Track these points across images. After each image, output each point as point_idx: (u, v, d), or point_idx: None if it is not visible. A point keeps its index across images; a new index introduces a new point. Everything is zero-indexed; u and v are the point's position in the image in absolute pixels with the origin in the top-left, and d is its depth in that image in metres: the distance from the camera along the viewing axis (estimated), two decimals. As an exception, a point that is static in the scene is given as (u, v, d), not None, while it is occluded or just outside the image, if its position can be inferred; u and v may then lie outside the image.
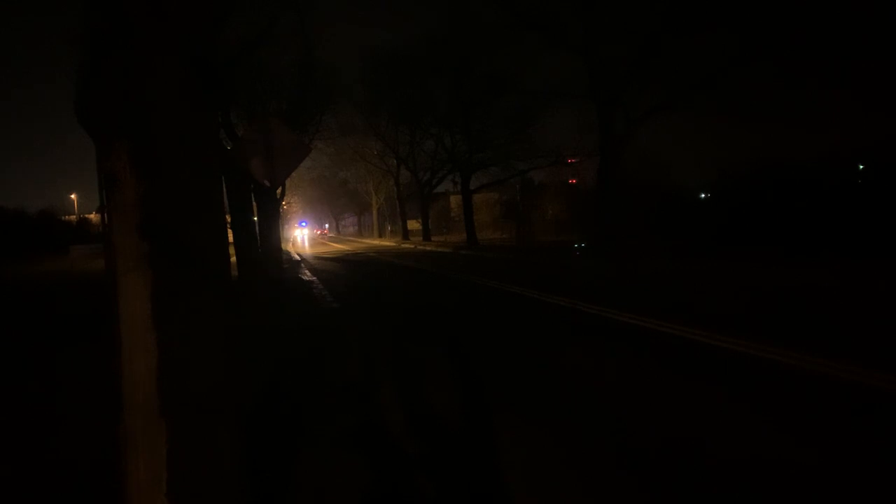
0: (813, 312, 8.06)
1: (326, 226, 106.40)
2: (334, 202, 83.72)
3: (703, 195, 24.97)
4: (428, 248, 30.90)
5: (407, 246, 35.15)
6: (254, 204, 11.30)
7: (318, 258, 28.91)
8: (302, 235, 72.14)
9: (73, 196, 62.15)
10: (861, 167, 17.01)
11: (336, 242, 54.31)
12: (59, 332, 9.07)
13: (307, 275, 18.06)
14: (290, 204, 58.40)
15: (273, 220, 9.61)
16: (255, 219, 11.18)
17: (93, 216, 51.36)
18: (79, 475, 3.59)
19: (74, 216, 55.79)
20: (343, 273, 19.92)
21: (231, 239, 10.29)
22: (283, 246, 27.91)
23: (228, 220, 9.43)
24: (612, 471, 3.45)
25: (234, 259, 9.65)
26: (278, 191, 12.18)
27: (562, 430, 4.13)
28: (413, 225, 49.22)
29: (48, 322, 10.40)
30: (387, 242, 43.25)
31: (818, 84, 15.18)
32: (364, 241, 53.14)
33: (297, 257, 29.13)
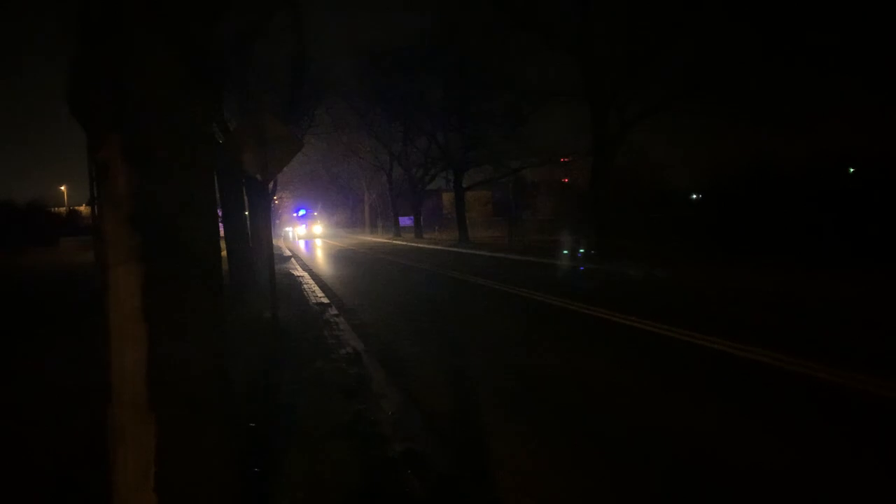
0: (815, 322, 8.12)
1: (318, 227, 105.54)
2: (326, 198, 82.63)
3: (695, 196, 25.10)
4: (420, 245, 30.88)
5: (399, 242, 35.12)
6: (245, 199, 11.24)
7: (309, 254, 28.84)
8: (297, 232, 58.45)
9: (62, 187, 61.55)
10: (852, 170, 17.14)
11: (327, 238, 54.14)
12: (45, 326, 9.01)
13: (298, 270, 18.01)
14: (282, 199, 58.10)
15: (264, 216, 9.57)
16: (247, 213, 11.11)
17: (83, 208, 50.94)
18: (66, 470, 3.56)
19: (64, 208, 55.35)
20: (333, 269, 19.91)
21: (222, 233, 10.24)
22: (275, 241, 27.80)
23: (220, 214, 9.35)
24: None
25: (224, 254, 9.61)
26: (270, 186, 12.13)
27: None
28: (405, 222, 49.15)
29: (35, 315, 10.33)
30: (378, 239, 43.20)
31: (817, 83, 15.23)
32: (356, 237, 52.97)
33: (288, 253, 29.04)
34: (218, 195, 9.43)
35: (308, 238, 54.16)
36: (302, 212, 60.56)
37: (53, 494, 3.32)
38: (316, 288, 13.00)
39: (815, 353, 5.66)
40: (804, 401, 4.56)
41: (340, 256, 26.04)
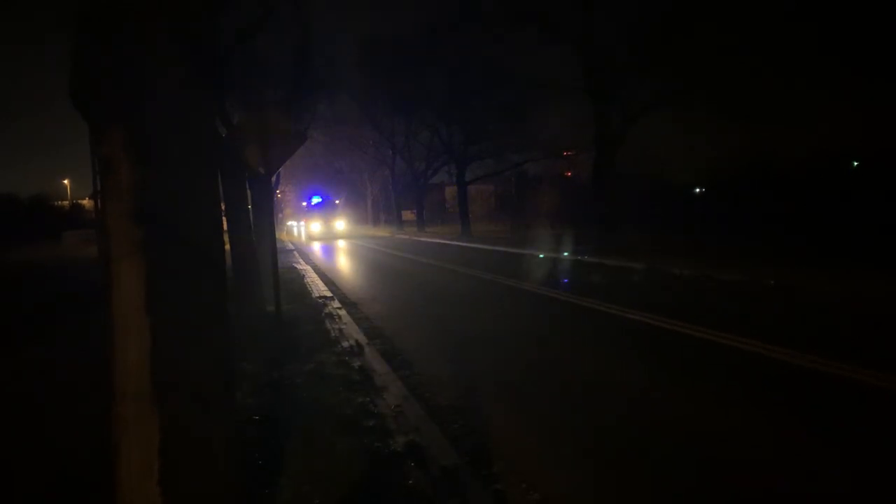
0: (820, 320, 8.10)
1: (341, 222, 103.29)
2: (328, 192, 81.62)
3: (697, 190, 25.05)
4: (423, 239, 30.87)
5: (402, 236, 35.10)
6: (248, 193, 11.21)
7: (312, 248, 28.88)
8: (310, 229, 40.22)
9: (65, 181, 61.48)
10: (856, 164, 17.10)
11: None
12: (47, 322, 9.04)
13: (301, 263, 18.04)
14: (285, 192, 57.97)
15: (267, 209, 9.60)
16: (250, 207, 11.11)
17: (86, 202, 51.00)
18: (71, 463, 3.58)
19: (67, 202, 55.39)
20: (336, 263, 19.93)
21: (225, 227, 10.22)
22: (278, 235, 27.74)
23: (223, 208, 9.28)
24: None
25: (227, 247, 9.53)
26: (272, 180, 12.08)
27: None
28: (407, 215, 49.07)
29: (36, 312, 10.37)
30: (381, 232, 43.11)
31: (819, 78, 15.13)
32: (358, 230, 53.05)
33: (291, 246, 29.10)
34: (221, 189, 9.39)
35: (325, 238, 37.09)
36: (317, 199, 41.90)
37: (59, 487, 3.34)
38: (319, 281, 13.02)
39: None
40: None
41: (344, 250, 26.09)
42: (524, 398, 4.88)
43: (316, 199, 42.17)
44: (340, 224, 40.30)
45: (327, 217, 40.11)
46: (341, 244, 30.59)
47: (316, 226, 39.75)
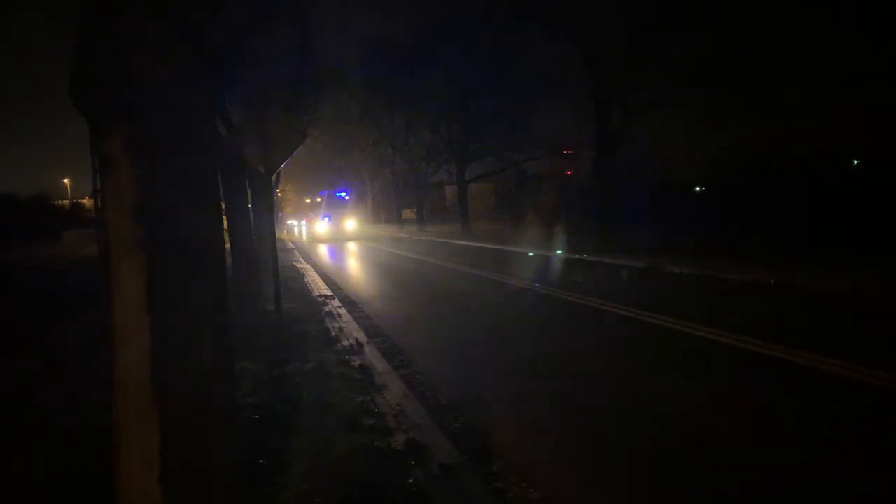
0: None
1: (352, 222, 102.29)
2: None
3: (697, 188, 25.05)
4: (423, 238, 30.85)
5: (402, 235, 35.05)
6: (248, 192, 11.21)
7: (312, 247, 28.87)
8: (315, 229, 35.34)
9: (66, 181, 61.35)
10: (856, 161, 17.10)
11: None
12: (46, 321, 9.05)
13: (301, 262, 18.03)
14: (285, 191, 57.89)
15: (268, 208, 9.62)
16: (250, 206, 11.11)
17: (86, 201, 50.98)
18: (72, 461, 3.58)
19: (67, 201, 55.37)
20: (337, 261, 19.92)
21: (225, 226, 10.21)
22: (278, 234, 27.66)
23: (223, 208, 9.25)
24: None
25: (227, 246, 9.49)
26: (273, 178, 11.99)
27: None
28: (408, 214, 49.02)
29: (34, 312, 10.37)
30: (382, 231, 43.05)
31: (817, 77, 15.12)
32: (359, 230, 52.88)
33: (291, 245, 29.12)
34: (221, 189, 9.37)
35: (331, 240, 31.99)
36: (320, 199, 37.16)
37: (58, 487, 3.34)
38: (319, 280, 13.02)
39: None
40: None
41: (344, 249, 26.08)
42: (524, 397, 4.88)
43: (321, 198, 37.23)
44: (351, 224, 34.21)
45: (335, 215, 34.60)
46: (335, 244, 30.53)
47: (321, 226, 34.34)
